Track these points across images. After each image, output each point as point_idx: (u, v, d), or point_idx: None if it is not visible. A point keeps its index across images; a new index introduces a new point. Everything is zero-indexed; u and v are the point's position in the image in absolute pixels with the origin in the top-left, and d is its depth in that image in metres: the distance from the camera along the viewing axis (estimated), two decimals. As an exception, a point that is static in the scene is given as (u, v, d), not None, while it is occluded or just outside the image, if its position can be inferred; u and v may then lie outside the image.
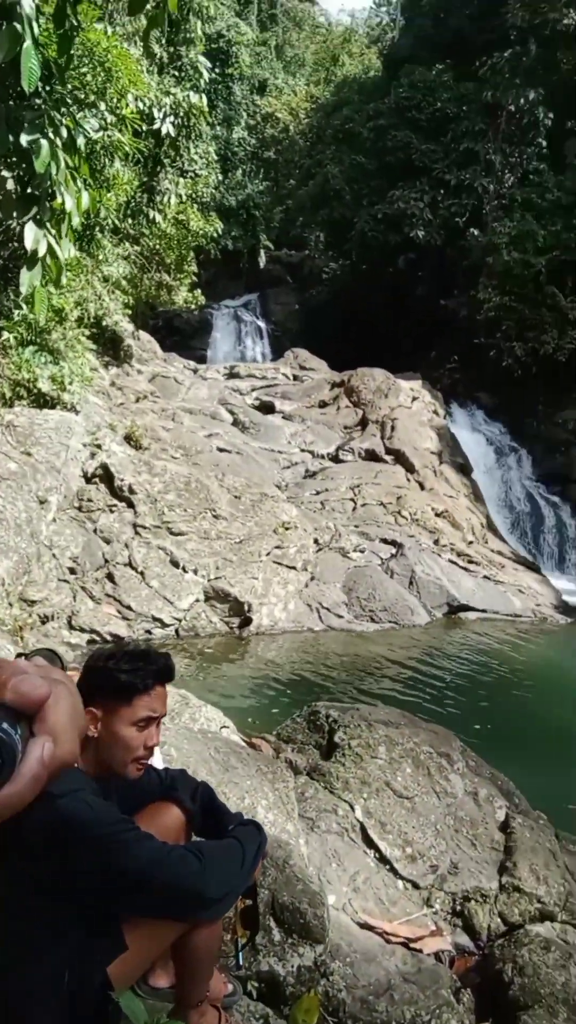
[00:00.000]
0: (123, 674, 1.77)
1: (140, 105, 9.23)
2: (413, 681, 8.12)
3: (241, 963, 1.94)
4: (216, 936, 1.77)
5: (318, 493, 12.87)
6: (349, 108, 26.12)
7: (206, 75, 11.92)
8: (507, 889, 3.22)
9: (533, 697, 8.39)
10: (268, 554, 9.77)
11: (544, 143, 21.72)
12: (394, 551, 11.55)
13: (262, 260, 28.96)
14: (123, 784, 1.87)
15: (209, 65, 13.17)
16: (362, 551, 11.28)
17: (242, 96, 25.84)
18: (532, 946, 2.78)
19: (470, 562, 12.56)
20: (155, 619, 8.10)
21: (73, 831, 1.49)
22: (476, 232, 20.82)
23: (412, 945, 2.92)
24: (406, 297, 22.84)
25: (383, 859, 3.28)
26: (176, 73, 13.42)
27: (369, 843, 3.31)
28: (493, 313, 19.30)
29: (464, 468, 15.81)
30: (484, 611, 11.47)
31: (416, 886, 3.23)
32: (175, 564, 8.75)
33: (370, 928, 2.96)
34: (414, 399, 16.30)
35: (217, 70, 19.46)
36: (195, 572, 8.81)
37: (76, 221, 4.82)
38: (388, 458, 14.37)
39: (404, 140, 22.47)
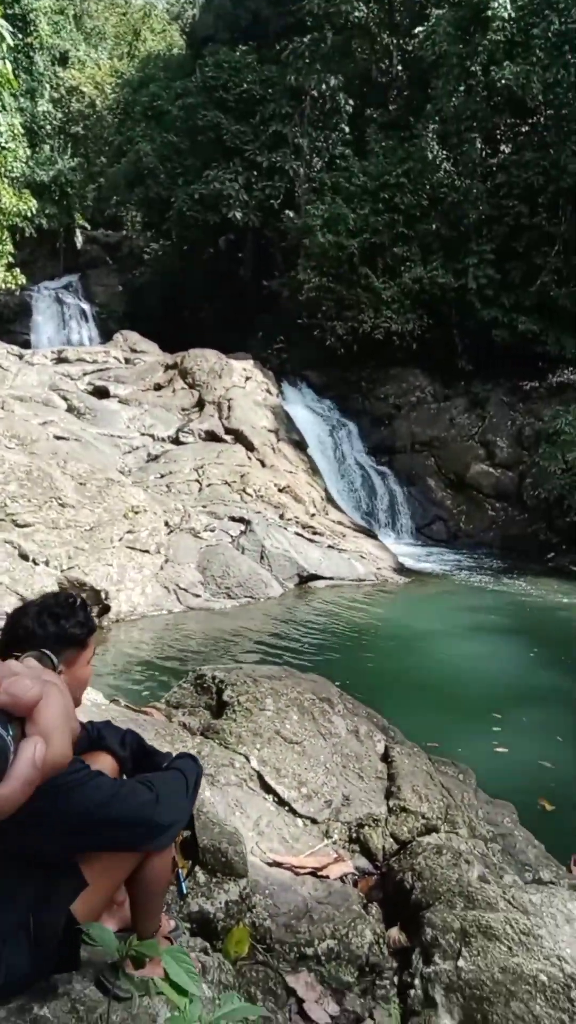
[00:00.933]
0: (79, 625, 1.84)
1: None
2: (275, 648, 8.41)
3: (184, 891, 2.04)
4: (166, 867, 1.85)
5: (163, 476, 12.81)
6: (156, 85, 25.75)
7: (8, 39, 11.25)
8: (395, 811, 3.53)
9: (384, 651, 8.99)
10: (120, 539, 9.65)
11: (347, 129, 22.68)
12: (243, 528, 11.78)
13: (79, 240, 27.95)
14: None
15: (11, 28, 12.45)
16: (212, 530, 11.41)
17: (44, 67, 24.67)
18: (425, 853, 3.09)
19: (315, 533, 13.07)
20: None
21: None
22: (291, 214, 21.37)
23: (319, 873, 3.15)
24: (230, 277, 23.02)
25: (281, 802, 3.47)
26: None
27: (267, 789, 3.49)
28: (314, 294, 19.98)
29: (300, 444, 16.35)
30: (331, 578, 12.02)
31: (314, 821, 3.45)
32: (24, 557, 8.42)
33: (279, 865, 3.15)
34: (247, 379, 16.58)
35: (17, 37, 18.41)
36: (46, 563, 8.53)
37: None
38: (228, 438, 14.55)
39: (214, 120, 22.55)
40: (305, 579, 11.69)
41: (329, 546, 12.97)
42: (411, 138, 20.48)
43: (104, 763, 1.97)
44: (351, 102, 21.70)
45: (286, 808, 3.46)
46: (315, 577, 11.81)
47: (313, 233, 19.65)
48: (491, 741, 6.16)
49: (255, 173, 22.08)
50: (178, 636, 8.72)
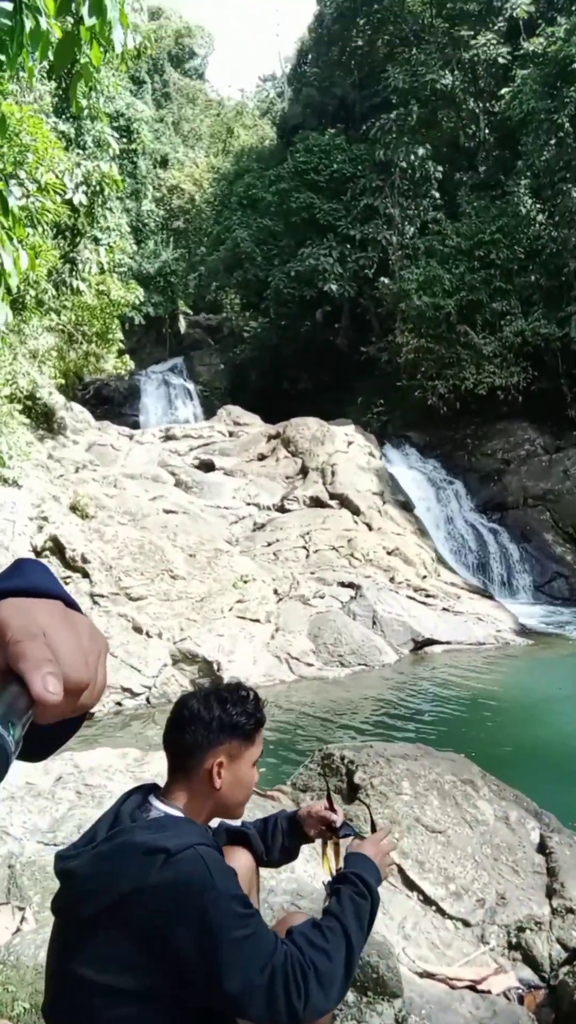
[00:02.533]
0: (246, 714, 1.65)
1: (53, 176, 9.28)
2: (394, 719, 8.00)
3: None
4: None
5: (269, 544, 12.78)
6: (250, 175, 27.05)
7: (115, 146, 12.14)
8: (560, 912, 3.07)
9: (513, 720, 8.40)
10: (231, 609, 9.58)
11: (437, 195, 22.95)
12: (353, 593, 11.52)
13: (182, 325, 29.28)
14: None
15: (117, 136, 13.45)
16: (322, 597, 11.21)
17: (147, 170, 26.52)
18: (604, 967, 2.63)
19: (427, 596, 12.61)
20: (124, 689, 7.74)
21: (188, 901, 1.35)
22: (386, 280, 21.63)
23: (479, 987, 2.73)
24: (327, 347, 23.40)
25: (427, 900, 3.09)
26: (82, 149, 13.64)
27: (411, 885, 3.12)
28: (412, 355, 19.93)
29: (407, 505, 16.02)
30: (448, 642, 11.49)
31: (467, 924, 3.04)
32: (138, 630, 8.44)
33: (431, 976, 2.75)
34: (349, 443, 16.54)
35: (122, 143, 19.95)
36: (159, 636, 8.52)
37: (15, 281, 4.70)
38: (333, 503, 14.45)
39: (306, 201, 23.35)
40: (420, 644, 11.24)
41: (444, 609, 12.47)
42: (503, 195, 20.47)
43: (242, 860, 1.75)
44: (440, 168, 22.01)
45: (433, 908, 3.07)
46: (431, 642, 11.34)
47: (409, 296, 19.75)
48: None
49: (348, 247, 22.58)
50: (292, 708, 8.45)
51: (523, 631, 12.87)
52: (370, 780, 3.47)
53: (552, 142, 19.58)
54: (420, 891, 3.12)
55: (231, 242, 25.54)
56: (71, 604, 0.72)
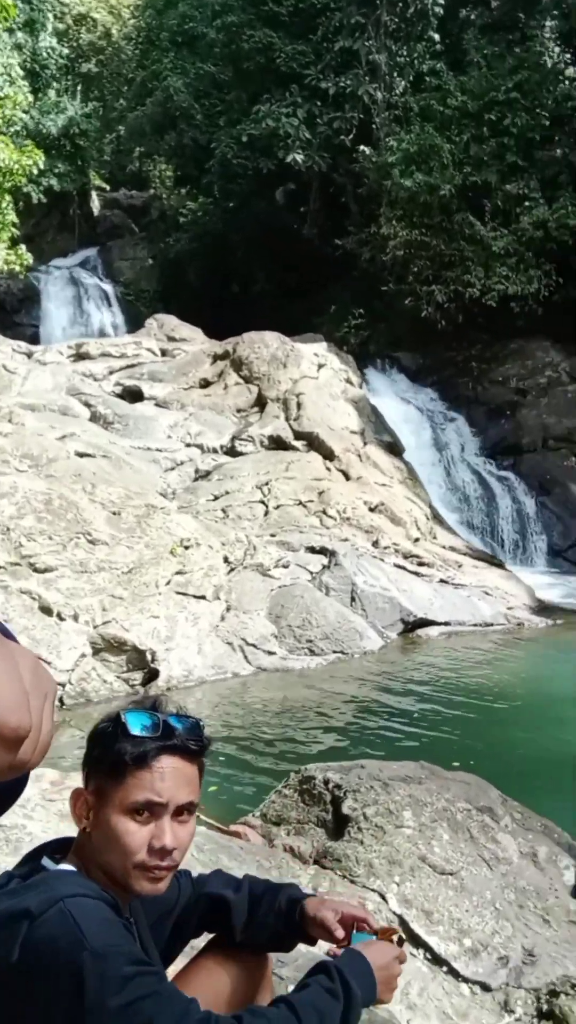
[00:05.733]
0: (117, 740, 1.64)
1: None
2: (382, 725, 8.10)
3: None
4: None
5: (217, 498, 12.77)
6: (186, 4, 26.23)
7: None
8: (603, 972, 3.15)
9: (529, 724, 8.58)
10: (168, 583, 9.62)
11: (437, 37, 22.54)
12: (326, 561, 11.60)
13: (96, 204, 28.62)
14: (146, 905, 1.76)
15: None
16: (286, 566, 11.27)
17: (45, -10, 25.55)
18: None
19: (421, 564, 12.78)
20: (30, 689, 7.69)
21: (55, 971, 1.41)
22: (368, 150, 21.29)
23: (503, 1070, 2.79)
24: (291, 239, 23.07)
25: (437, 960, 3.15)
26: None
27: (416, 941, 3.18)
28: (402, 252, 19.81)
29: (394, 448, 16.10)
30: (448, 623, 11.70)
31: (486, 988, 3.11)
32: (46, 611, 8.41)
33: (444, 1058, 2.81)
34: (320, 367, 16.48)
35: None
36: (75, 618, 8.49)
37: None
38: (299, 444, 14.45)
39: (263, 41, 22.71)
40: (412, 626, 11.45)
41: (441, 580, 12.68)
42: (523, 41, 20.24)
43: (211, 980, 1.78)
44: (440, 2, 21.55)
45: (444, 968, 3.14)
46: (425, 623, 11.57)
47: (397, 172, 19.50)
48: None
49: (319, 103, 22.11)
50: (251, 710, 8.50)
51: (541, 608, 13.19)
52: (363, 810, 3.49)
53: (587, -30, 19.37)
54: (427, 948, 3.17)
55: (161, 93, 24.81)
56: (7, 634, 0.72)
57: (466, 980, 3.13)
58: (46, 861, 1.63)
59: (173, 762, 1.67)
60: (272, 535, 12.07)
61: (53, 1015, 1.41)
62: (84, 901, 1.47)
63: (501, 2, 22.62)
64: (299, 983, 1.68)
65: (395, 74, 22.57)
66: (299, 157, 21.78)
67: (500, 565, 14.59)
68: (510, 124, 19.19)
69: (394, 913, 3.24)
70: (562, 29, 19.95)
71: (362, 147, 21.33)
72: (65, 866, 1.62)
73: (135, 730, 1.65)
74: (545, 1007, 3.10)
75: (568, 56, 19.76)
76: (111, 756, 1.64)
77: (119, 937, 1.47)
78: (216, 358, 16.74)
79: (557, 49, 19.51)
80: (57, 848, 1.68)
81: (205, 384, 16.20)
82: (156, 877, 1.64)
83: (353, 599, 11.14)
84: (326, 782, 3.67)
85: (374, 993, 1.68)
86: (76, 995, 1.39)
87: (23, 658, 0.68)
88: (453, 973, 3.14)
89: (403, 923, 3.23)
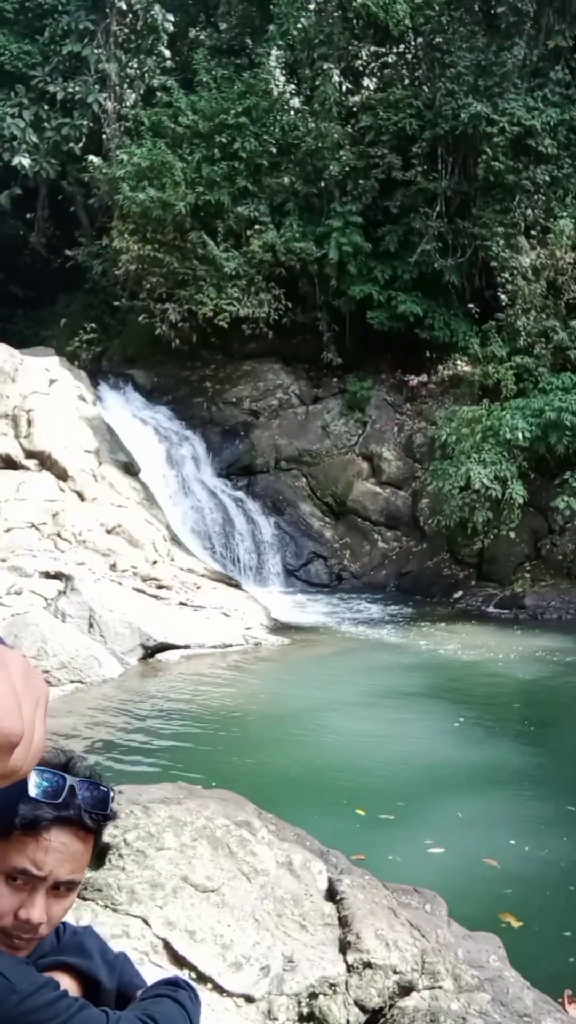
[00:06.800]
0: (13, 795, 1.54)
1: None
2: (127, 752, 8.12)
3: None
4: None
5: None
6: None
7: None
8: (356, 969, 3.41)
9: (267, 739, 8.97)
10: None
11: (167, 53, 22.97)
12: (62, 587, 11.47)
13: None
14: None
15: None
16: (19, 593, 11.05)
17: None
18: (411, 1025, 3.01)
19: (159, 587, 12.91)
20: None
21: None
22: (97, 161, 21.19)
23: (270, 1074, 2.97)
24: (17, 246, 22.49)
25: (202, 977, 3.27)
26: None
27: (180, 962, 3.28)
28: (134, 267, 19.86)
29: (130, 468, 16.15)
30: (187, 646, 11.88)
31: (250, 999, 3.27)
32: None
33: (212, 1072, 2.94)
34: (52, 382, 16.22)
35: None
36: None
37: None
38: (30, 463, 14.17)
39: (-15, 36, 22.04)
40: (152, 651, 11.52)
41: (180, 603, 12.86)
42: (250, 66, 21.02)
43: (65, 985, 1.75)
44: (171, 18, 22.00)
45: (209, 985, 3.27)
46: (165, 647, 11.67)
47: (126, 187, 19.56)
48: (422, 840, 6.29)
49: (47, 107, 21.76)
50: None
51: (277, 627, 13.69)
52: (123, 836, 3.55)
53: (311, 5, 20.53)
54: (192, 967, 3.28)
55: None
56: None
57: (230, 995, 3.27)
58: None
59: (63, 837, 1.61)
60: (3, 560, 11.74)
61: None
62: None
63: (229, 26, 23.43)
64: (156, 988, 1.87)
65: (126, 85, 22.69)
66: (25, 161, 21.29)
67: (237, 585, 15.00)
68: (240, 148, 19.81)
69: (158, 937, 3.34)
70: (287, 60, 20.96)
71: (91, 157, 21.22)
72: None
73: (33, 791, 1.57)
74: (306, 1010, 3.31)
75: (293, 87, 20.75)
76: (1, 809, 1.56)
77: (30, 971, 1.52)
78: None
79: (283, 79, 20.43)
80: None
81: None
82: (15, 946, 1.60)
83: (91, 625, 11.05)
84: (85, 812, 3.68)
85: None
86: None
87: (14, 662, 0.68)
88: (218, 989, 3.27)
89: (167, 946, 3.33)
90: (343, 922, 3.61)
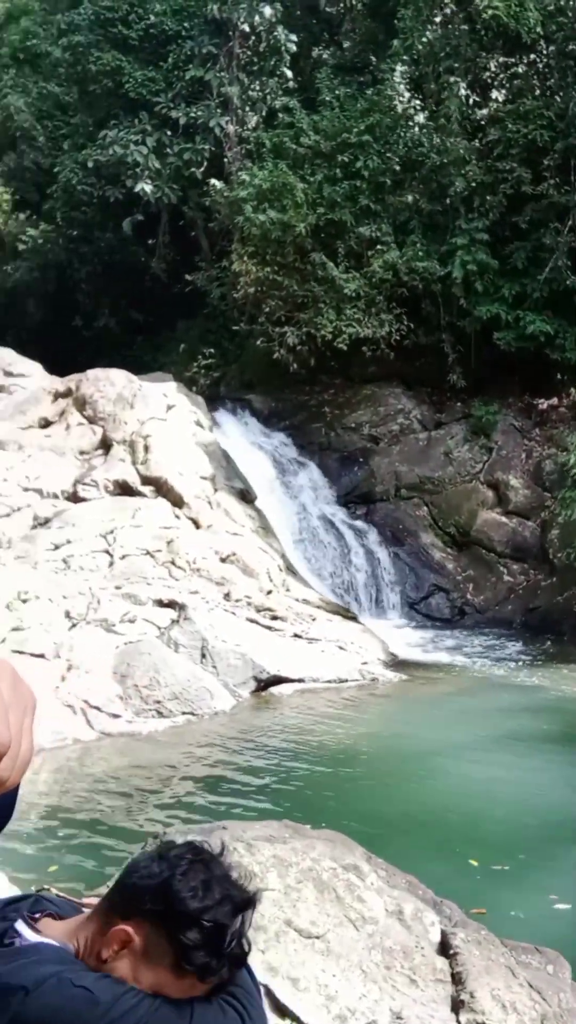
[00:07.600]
0: (201, 942, 1.70)
1: None
2: (236, 788, 8.21)
3: None
4: None
5: (57, 547, 12.58)
6: (29, 19, 26.26)
7: None
8: (469, 1029, 3.32)
9: (383, 781, 8.89)
10: (3, 640, 9.39)
11: (289, 74, 23.40)
12: (175, 615, 11.63)
13: None
14: None
15: None
16: (132, 621, 11.25)
17: None
18: None
19: (274, 618, 12.95)
20: None
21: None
22: (219, 184, 21.73)
23: None
24: (138, 272, 23.19)
25: (304, 1029, 3.24)
26: None
27: (281, 1011, 3.26)
28: (253, 290, 20.19)
29: (246, 495, 16.29)
30: (301, 680, 11.89)
31: (354, 1055, 3.22)
32: None
33: None
34: (170, 408, 16.54)
35: None
36: None
37: None
38: (146, 490, 14.44)
39: (111, 64, 22.93)
40: (265, 684, 11.57)
41: (295, 635, 12.88)
42: (374, 83, 21.20)
43: None
44: (293, 38, 22.43)
45: (311, 1038, 3.23)
46: (278, 680, 11.71)
47: (248, 208, 19.97)
48: (546, 896, 6.10)
49: (169, 133, 22.45)
50: (95, 777, 8.42)
51: (395, 662, 13.56)
52: (226, 875, 3.56)
53: (436, 19, 20.57)
54: (294, 1017, 3.26)
55: (1, 112, 24.57)
56: None
57: (334, 1048, 3.24)
58: (21, 926, 1.70)
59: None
60: (117, 587, 11.98)
61: None
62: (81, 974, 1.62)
63: (352, 43, 23.74)
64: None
65: (247, 108, 23.21)
66: (148, 187, 22.00)
67: (354, 618, 14.91)
68: (362, 167, 19.96)
69: (259, 982, 3.32)
70: (412, 75, 21.04)
71: (213, 180, 21.78)
72: (49, 940, 1.70)
73: (225, 945, 1.72)
74: (412, 1069, 3.25)
75: (418, 102, 20.81)
76: (183, 949, 1.68)
77: (112, 982, 1.65)
78: (57, 396, 16.55)
79: (407, 95, 20.51)
80: (30, 907, 1.79)
81: (45, 424, 15.97)
82: None
83: (204, 656, 11.18)
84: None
85: None
86: None
87: (2, 672, 0.70)
88: (321, 1041, 3.24)
89: (268, 992, 3.31)
90: (456, 979, 3.53)
